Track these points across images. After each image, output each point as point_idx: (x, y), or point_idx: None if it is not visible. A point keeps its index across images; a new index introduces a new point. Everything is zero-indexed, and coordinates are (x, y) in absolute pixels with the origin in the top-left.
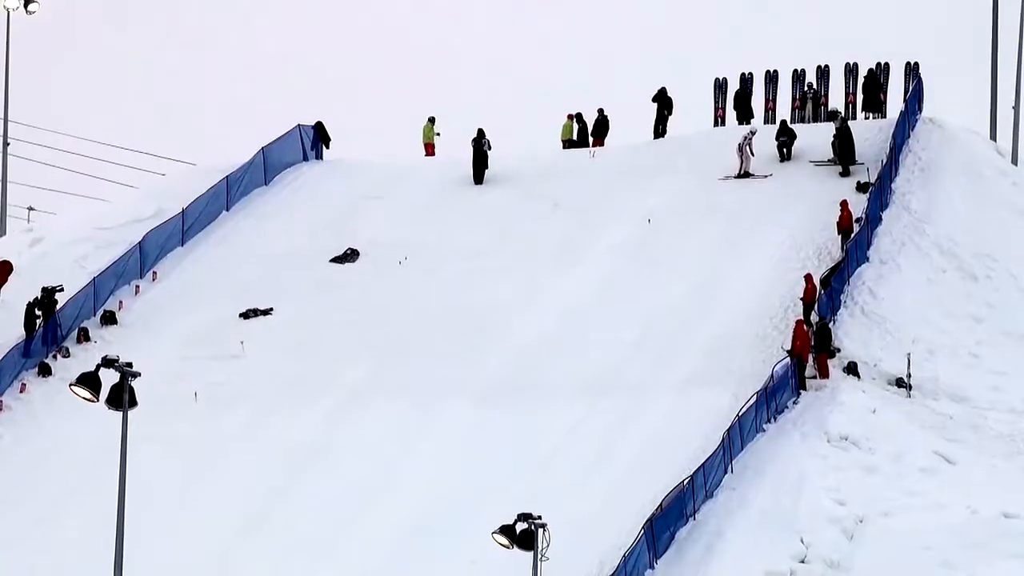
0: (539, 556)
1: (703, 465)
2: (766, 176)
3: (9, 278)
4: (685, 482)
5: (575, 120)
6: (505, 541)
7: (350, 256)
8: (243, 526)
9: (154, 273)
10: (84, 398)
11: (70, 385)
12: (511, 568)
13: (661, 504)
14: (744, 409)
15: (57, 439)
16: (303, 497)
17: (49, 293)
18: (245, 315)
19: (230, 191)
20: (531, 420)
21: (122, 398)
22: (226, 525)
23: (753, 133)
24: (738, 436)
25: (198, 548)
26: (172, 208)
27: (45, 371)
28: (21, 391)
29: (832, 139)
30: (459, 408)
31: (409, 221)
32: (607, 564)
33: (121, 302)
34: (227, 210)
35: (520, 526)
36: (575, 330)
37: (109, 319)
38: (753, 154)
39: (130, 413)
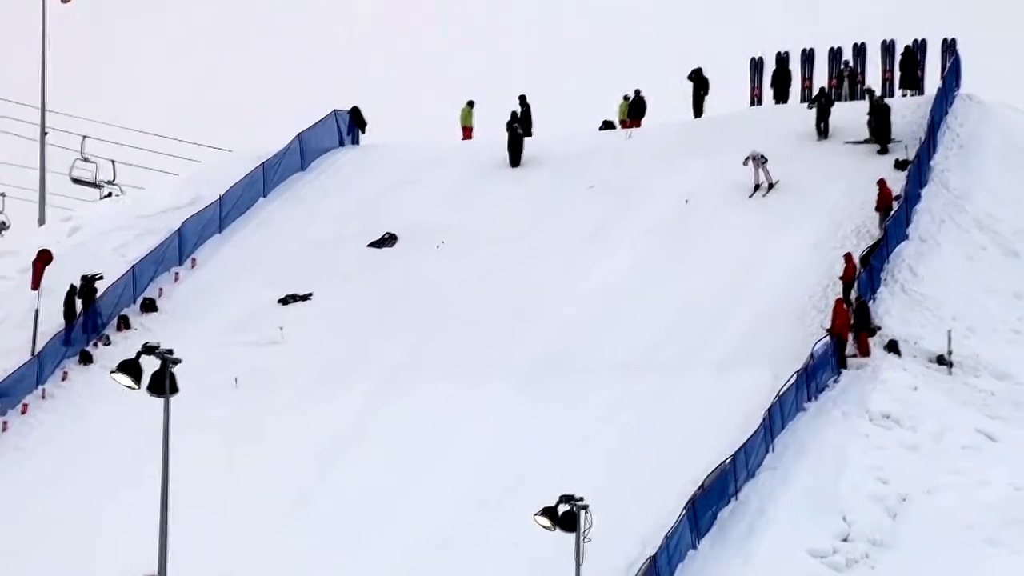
0: (581, 537)
1: (744, 445)
2: (776, 183)
3: (48, 267)
4: (727, 462)
5: (628, 100)
6: (547, 523)
7: (388, 240)
8: (285, 510)
9: (193, 260)
10: (125, 385)
11: (111, 372)
12: (553, 550)
13: (703, 484)
14: (785, 388)
15: (99, 426)
16: (343, 481)
17: (89, 281)
18: (284, 301)
19: (267, 177)
20: (570, 401)
21: (163, 385)
22: (268, 509)
23: (764, 159)
24: (779, 415)
25: (240, 532)
26: (210, 195)
27: (86, 359)
28: (63, 379)
29: (867, 117)
30: (498, 390)
31: (446, 205)
32: (649, 545)
33: (160, 289)
34: (264, 196)
35: (562, 508)
36: (613, 311)
37: (149, 306)
38: (771, 177)
39: (171, 399)
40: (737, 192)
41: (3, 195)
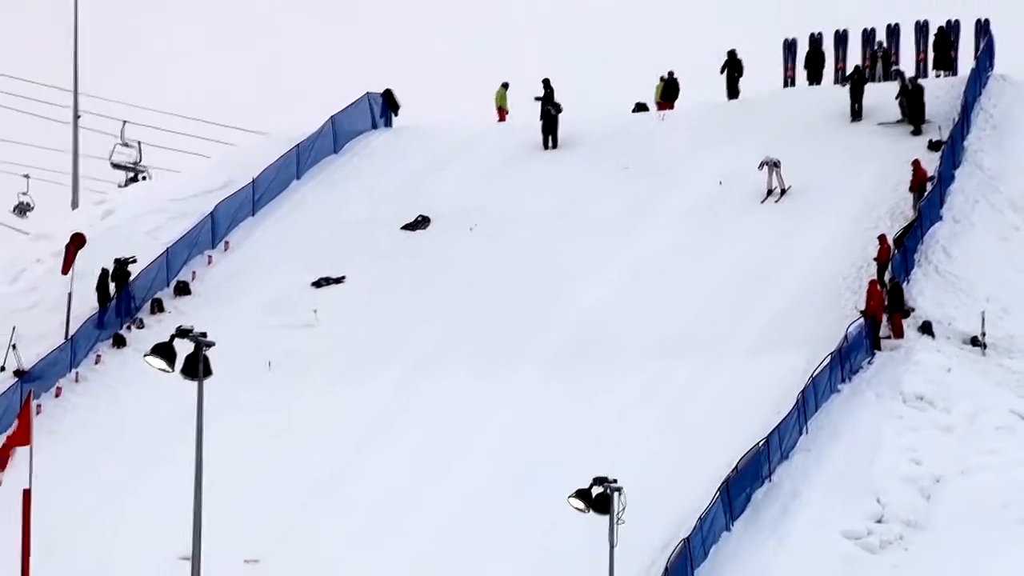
0: (615, 520)
1: (778, 427)
2: (788, 188)
3: (82, 250)
4: (760, 443)
5: (665, 80)
6: (581, 505)
7: (421, 223)
8: (316, 492)
9: (226, 243)
10: (159, 368)
11: (145, 356)
12: (587, 532)
13: (736, 466)
14: (818, 370)
15: (132, 410)
16: (375, 463)
17: (122, 264)
18: (317, 283)
19: (300, 160)
20: (604, 383)
21: (197, 368)
22: (299, 491)
23: (777, 164)
24: (812, 397)
25: (272, 515)
26: (243, 178)
27: (120, 342)
28: (96, 362)
29: (897, 99)
30: (531, 373)
31: (479, 187)
32: (683, 526)
33: (194, 272)
34: (298, 179)
35: (596, 490)
36: (646, 293)
37: (182, 289)
38: (783, 183)
39: (205, 382)
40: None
41: (27, 176)
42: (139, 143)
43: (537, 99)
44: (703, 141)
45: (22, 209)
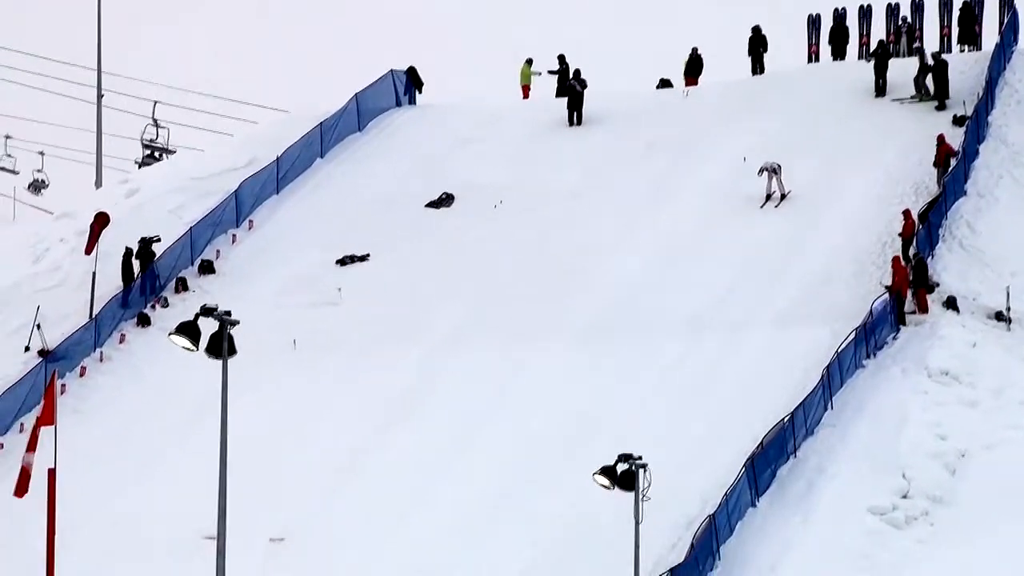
0: (640, 496)
1: (803, 402)
2: (788, 193)
3: (106, 230)
4: (785, 419)
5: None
6: (606, 482)
7: (445, 200)
8: (341, 470)
9: (250, 222)
10: (183, 347)
11: (169, 334)
12: (612, 509)
13: (762, 442)
14: (843, 345)
15: (157, 389)
16: (402, 440)
17: (146, 243)
18: (342, 261)
19: (324, 138)
20: (628, 360)
21: (221, 346)
22: (324, 470)
23: (776, 170)
24: (837, 373)
25: (297, 493)
26: (266, 156)
27: (144, 321)
28: (121, 342)
29: (915, 75)
30: (556, 350)
31: (503, 164)
32: (709, 502)
33: (218, 251)
34: (321, 157)
35: (621, 467)
36: (671, 270)
37: (207, 268)
38: (783, 188)
39: (229, 361)
40: (794, 151)
41: (42, 153)
42: (168, 129)
43: (551, 72)
44: (727, 117)
45: (37, 186)
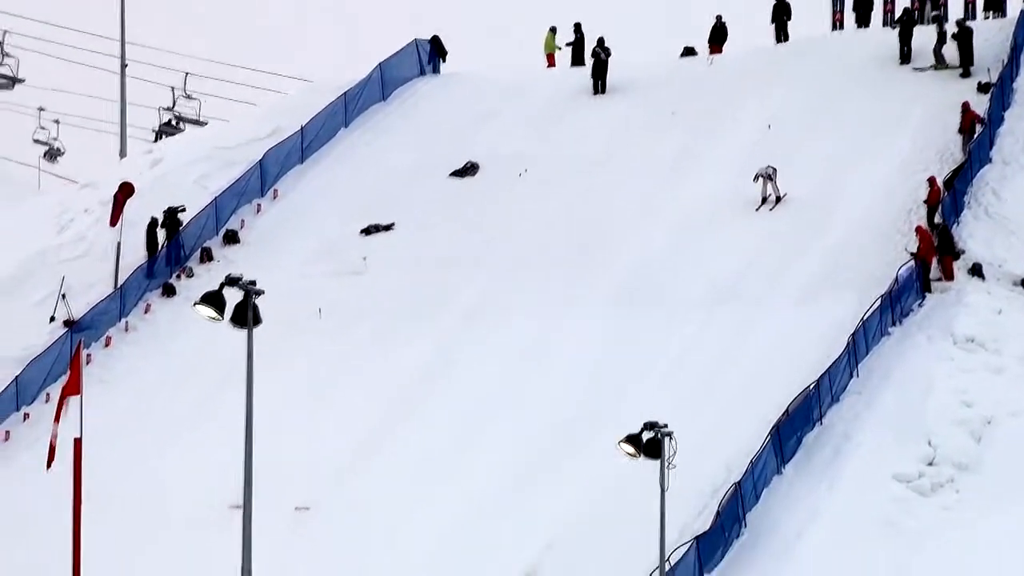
0: (666, 464)
1: (829, 370)
2: (784, 195)
3: (131, 200)
4: (811, 387)
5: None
6: (631, 450)
7: (470, 170)
8: (367, 441)
9: (275, 191)
10: (208, 317)
11: (194, 304)
12: (638, 477)
13: (787, 409)
14: (869, 313)
15: (182, 358)
16: (428, 410)
17: (172, 213)
18: (366, 231)
19: (348, 108)
20: (655, 330)
21: (246, 316)
22: (352, 439)
23: (771, 176)
24: (863, 340)
25: (324, 463)
26: (291, 126)
27: (169, 291)
28: (146, 312)
29: (934, 45)
30: (580, 320)
31: (528, 133)
32: (734, 470)
33: (243, 221)
34: (345, 127)
35: (646, 435)
36: (696, 238)
37: (231, 238)
38: (778, 191)
39: (254, 330)
40: (819, 119)
41: (57, 122)
42: (199, 100)
43: (568, 44)
44: (752, 85)
45: (52, 154)
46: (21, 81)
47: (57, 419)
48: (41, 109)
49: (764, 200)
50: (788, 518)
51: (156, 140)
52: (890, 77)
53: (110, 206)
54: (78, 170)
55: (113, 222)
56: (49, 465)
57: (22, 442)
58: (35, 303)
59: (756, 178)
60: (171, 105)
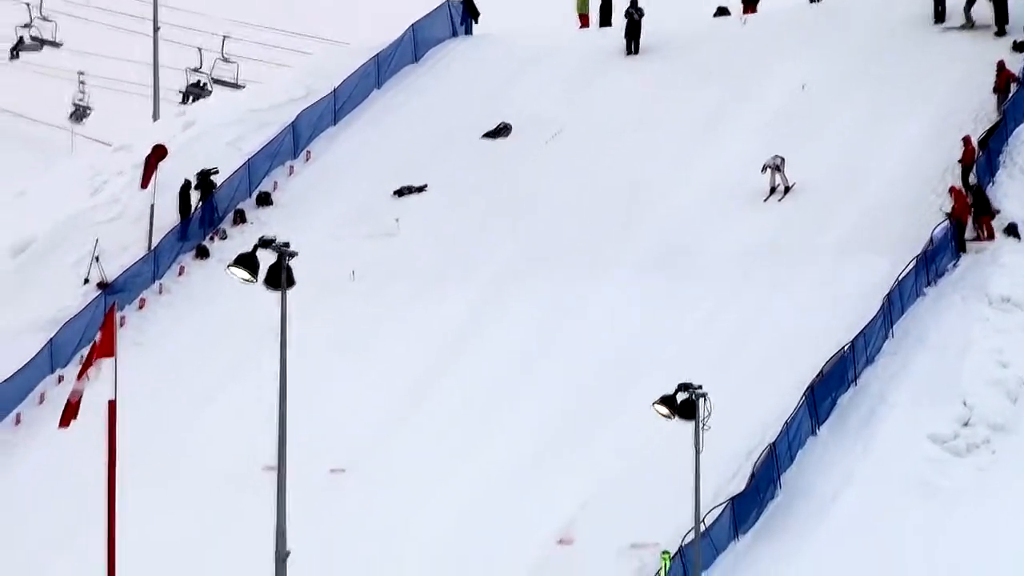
0: (700, 425)
1: (863, 331)
2: (792, 185)
3: (164, 162)
4: (845, 348)
5: None
6: (666, 411)
7: (502, 131)
8: (403, 401)
9: (307, 153)
10: (242, 279)
11: (228, 266)
12: (672, 439)
13: (821, 371)
14: (903, 273)
15: (216, 320)
16: (460, 372)
17: (205, 175)
18: (399, 192)
19: (380, 69)
20: (687, 291)
21: (280, 278)
22: (386, 400)
23: (779, 167)
24: (898, 300)
25: (359, 425)
26: (323, 88)
27: (203, 253)
28: (179, 274)
29: (965, 3)
30: (614, 281)
31: (561, 94)
32: (769, 431)
33: (276, 183)
34: (378, 88)
35: (681, 396)
36: (728, 199)
37: (264, 200)
38: (787, 181)
39: (288, 292)
40: (853, 78)
41: (82, 81)
42: (237, 64)
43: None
44: (786, 45)
45: (79, 115)
46: (59, 45)
47: (80, 377)
48: (81, 74)
49: (772, 190)
50: (823, 480)
51: (183, 101)
52: (924, 36)
53: (143, 169)
54: (111, 133)
55: (144, 184)
56: (65, 423)
57: (56, 404)
58: (69, 266)
59: (764, 169)
60: (198, 66)
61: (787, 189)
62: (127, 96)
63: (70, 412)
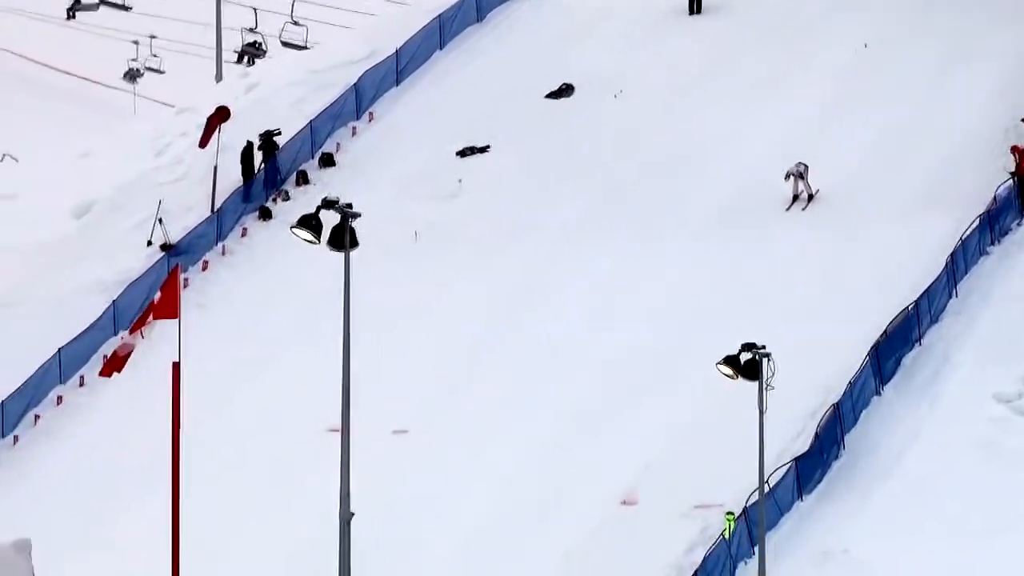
0: (764, 385)
1: (928, 290)
2: (816, 192)
3: (227, 124)
4: (910, 307)
5: None
6: (729, 372)
7: (565, 91)
8: (466, 361)
9: (370, 114)
10: (305, 240)
11: (291, 227)
12: (736, 398)
13: (886, 330)
14: (967, 232)
15: (279, 282)
16: (524, 332)
17: (268, 137)
18: (462, 153)
19: (443, 30)
20: (750, 250)
21: (343, 239)
22: (449, 361)
23: (802, 174)
24: (962, 260)
25: (421, 386)
26: (386, 48)
27: (266, 215)
28: (243, 235)
29: None
30: (678, 239)
31: (623, 53)
32: (833, 391)
33: (338, 144)
34: (441, 49)
35: (744, 356)
36: (792, 158)
37: (327, 161)
38: (810, 189)
39: (351, 253)
40: (917, 35)
41: (136, 43)
42: (306, 27)
43: None
44: (848, 3)
45: (132, 75)
46: (128, 8)
47: (132, 331)
48: (152, 37)
49: (795, 198)
50: (887, 439)
51: (239, 61)
52: None
53: (203, 129)
54: (174, 95)
55: (202, 144)
56: (107, 373)
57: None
58: (132, 227)
59: (787, 176)
60: (254, 27)
61: (811, 197)
62: (189, 58)
63: (114, 363)
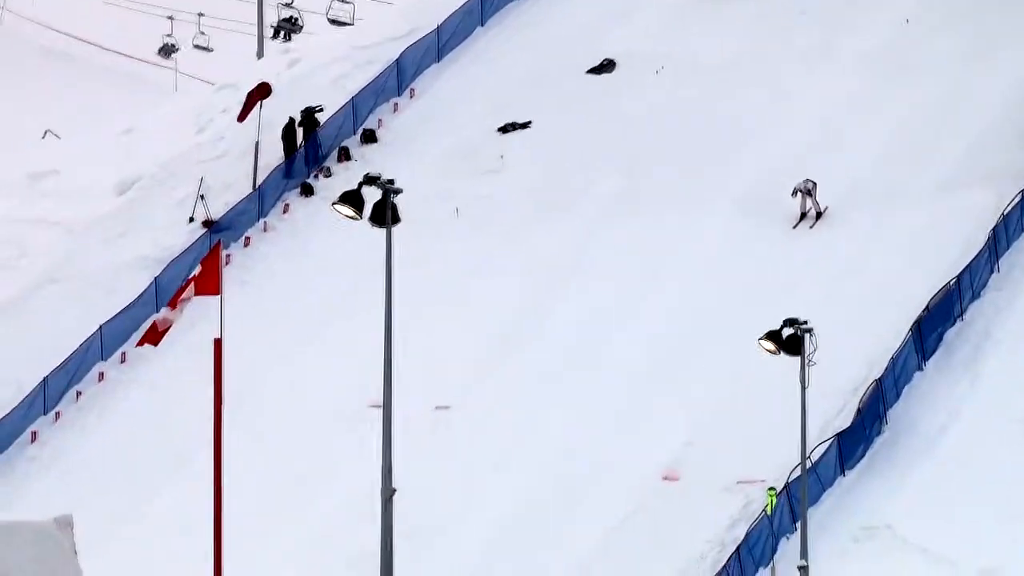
0: (806, 361)
1: (969, 265)
2: (824, 210)
3: (268, 100)
4: (951, 283)
5: None
6: (771, 347)
7: (606, 67)
8: (508, 338)
9: (411, 90)
10: (347, 216)
11: (333, 204)
12: (777, 374)
13: (928, 306)
14: (1009, 207)
15: (321, 258)
16: (565, 308)
17: (309, 113)
18: (503, 129)
19: (484, 6)
20: (790, 226)
21: (385, 215)
22: (491, 337)
23: (810, 191)
24: (1004, 235)
25: (464, 362)
26: (427, 25)
27: (307, 191)
28: (284, 212)
29: None
30: (717, 216)
31: (665, 30)
32: (875, 367)
33: (380, 120)
34: (482, 25)
35: (786, 331)
36: (832, 135)
37: (369, 137)
38: (818, 206)
39: (393, 230)
40: (957, 10)
41: (171, 18)
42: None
43: None
44: None
45: (167, 51)
46: None
47: (171, 305)
48: (201, 15)
49: (803, 215)
50: (929, 415)
51: (274, 37)
52: None
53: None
54: (215, 71)
55: (241, 118)
56: (142, 343)
57: (163, 341)
58: (174, 204)
59: (795, 193)
60: (289, 1)
61: (819, 215)
62: (231, 35)
63: (151, 335)
